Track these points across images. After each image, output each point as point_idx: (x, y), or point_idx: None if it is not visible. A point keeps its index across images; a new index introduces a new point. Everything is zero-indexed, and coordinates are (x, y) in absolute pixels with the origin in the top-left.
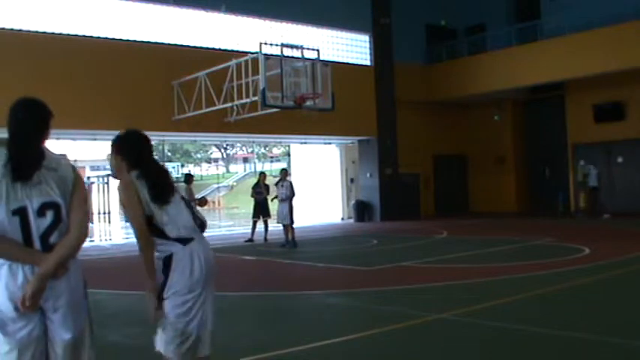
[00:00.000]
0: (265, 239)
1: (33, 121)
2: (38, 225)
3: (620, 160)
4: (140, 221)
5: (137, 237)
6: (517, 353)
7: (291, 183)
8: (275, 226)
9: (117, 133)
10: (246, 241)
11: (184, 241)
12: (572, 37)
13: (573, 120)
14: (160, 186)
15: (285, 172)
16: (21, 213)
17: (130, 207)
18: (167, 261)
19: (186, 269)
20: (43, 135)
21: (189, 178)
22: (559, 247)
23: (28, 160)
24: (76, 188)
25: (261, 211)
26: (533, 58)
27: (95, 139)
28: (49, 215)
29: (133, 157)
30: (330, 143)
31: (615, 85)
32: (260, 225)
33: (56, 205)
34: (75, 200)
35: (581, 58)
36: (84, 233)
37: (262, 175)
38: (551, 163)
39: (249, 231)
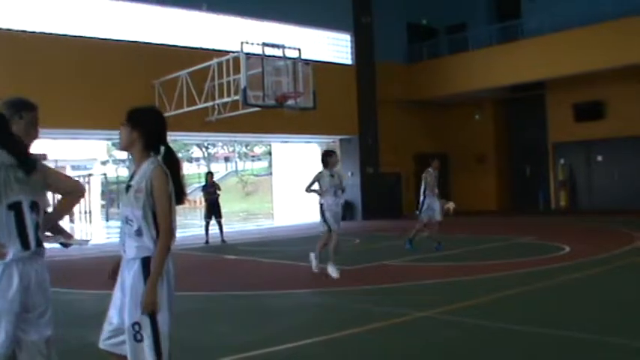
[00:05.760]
0: (223, 240)
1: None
2: (31, 220)
3: (599, 158)
4: (172, 216)
5: (166, 232)
6: (498, 351)
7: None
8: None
9: (98, 132)
10: (204, 244)
11: None
12: (552, 36)
13: (554, 119)
14: (183, 183)
15: (210, 175)
16: (16, 207)
17: (166, 197)
18: (147, 261)
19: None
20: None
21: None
22: (540, 245)
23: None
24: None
25: (213, 211)
26: (514, 57)
27: (76, 139)
28: (36, 212)
29: (152, 136)
30: (311, 142)
31: (595, 84)
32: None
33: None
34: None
35: (562, 58)
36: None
37: (210, 174)
38: (532, 161)
39: (229, 230)
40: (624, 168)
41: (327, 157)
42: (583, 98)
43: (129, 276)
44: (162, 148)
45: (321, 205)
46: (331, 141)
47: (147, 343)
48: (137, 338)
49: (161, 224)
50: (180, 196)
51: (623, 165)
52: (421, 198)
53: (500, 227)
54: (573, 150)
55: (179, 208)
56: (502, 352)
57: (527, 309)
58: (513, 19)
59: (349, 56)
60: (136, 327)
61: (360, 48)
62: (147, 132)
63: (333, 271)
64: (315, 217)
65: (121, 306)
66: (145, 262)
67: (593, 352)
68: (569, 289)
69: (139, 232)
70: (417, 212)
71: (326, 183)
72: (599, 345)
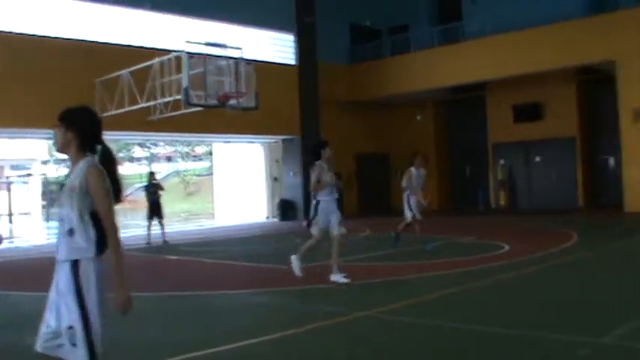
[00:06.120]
0: (165, 241)
1: None
2: None
3: (537, 159)
4: (113, 212)
5: (113, 230)
6: (436, 350)
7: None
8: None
9: (38, 131)
10: (146, 244)
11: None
12: (493, 38)
13: (493, 120)
14: (120, 182)
15: (152, 175)
16: None
17: (105, 194)
18: (76, 264)
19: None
20: None
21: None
22: (479, 244)
23: None
24: None
25: (155, 212)
26: (455, 59)
27: (15, 138)
28: None
29: (87, 136)
30: (253, 142)
31: (534, 86)
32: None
33: None
34: None
35: (501, 60)
36: None
37: (152, 174)
38: (472, 162)
39: (171, 230)
40: (562, 169)
41: (320, 148)
42: (522, 99)
43: (61, 278)
44: (99, 147)
45: (317, 203)
46: (273, 141)
47: (81, 346)
48: (72, 341)
49: (105, 221)
50: (117, 194)
51: (561, 166)
52: (404, 198)
53: (441, 227)
54: (512, 150)
55: (120, 208)
56: (441, 351)
57: (467, 307)
58: (455, 21)
59: (292, 56)
60: (71, 330)
61: (303, 48)
62: (82, 132)
63: (296, 268)
64: (257, 218)
65: (57, 308)
66: (74, 265)
67: (530, 348)
68: (508, 288)
69: (70, 233)
70: (409, 211)
71: (326, 178)
72: (534, 341)
